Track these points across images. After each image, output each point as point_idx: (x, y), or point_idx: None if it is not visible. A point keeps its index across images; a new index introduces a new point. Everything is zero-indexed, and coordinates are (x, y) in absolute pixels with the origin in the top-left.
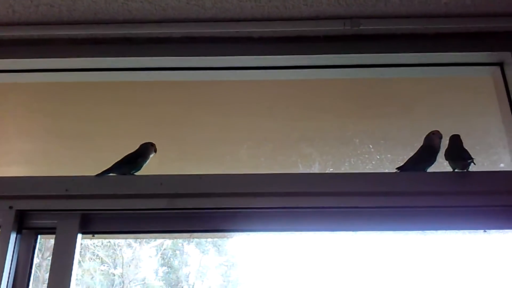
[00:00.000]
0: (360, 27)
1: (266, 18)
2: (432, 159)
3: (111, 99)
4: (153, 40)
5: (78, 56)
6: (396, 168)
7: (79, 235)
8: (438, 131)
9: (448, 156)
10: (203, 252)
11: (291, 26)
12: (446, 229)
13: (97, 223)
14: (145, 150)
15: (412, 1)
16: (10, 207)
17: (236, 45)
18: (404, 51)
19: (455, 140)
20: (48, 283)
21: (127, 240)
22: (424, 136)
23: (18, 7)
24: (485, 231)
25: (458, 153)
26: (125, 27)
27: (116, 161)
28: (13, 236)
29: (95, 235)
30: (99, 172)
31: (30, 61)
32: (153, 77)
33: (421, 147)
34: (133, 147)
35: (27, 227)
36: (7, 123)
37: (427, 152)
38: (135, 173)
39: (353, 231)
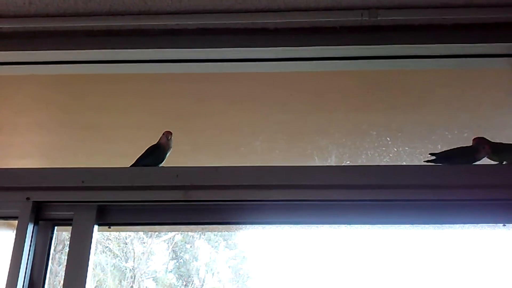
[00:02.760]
0: (378, 18)
1: (282, 9)
2: (471, 162)
3: (126, 91)
4: (168, 32)
5: (93, 48)
6: (430, 154)
7: (96, 227)
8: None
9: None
10: (213, 246)
11: (307, 17)
12: (465, 223)
13: (113, 215)
14: (162, 140)
15: None
16: (28, 198)
17: (251, 37)
18: (422, 42)
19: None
20: (65, 274)
21: (138, 233)
22: (438, 128)
23: None
24: (505, 225)
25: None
26: (140, 19)
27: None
28: (30, 227)
29: (111, 227)
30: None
31: (46, 53)
32: (168, 69)
33: (465, 146)
34: (148, 139)
35: (44, 218)
36: (22, 115)
37: (469, 154)
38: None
39: (370, 224)
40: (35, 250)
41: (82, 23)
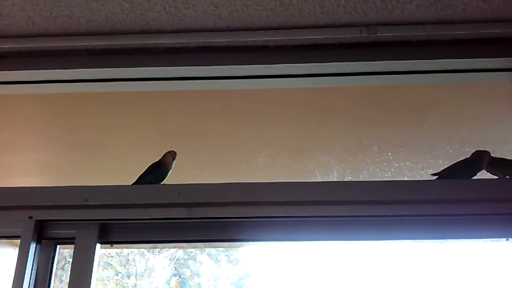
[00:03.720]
0: (377, 34)
1: (283, 26)
2: (473, 175)
3: (127, 109)
4: (169, 50)
5: (95, 67)
6: (432, 174)
7: (98, 245)
8: (488, 152)
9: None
10: (215, 262)
11: (307, 34)
12: (468, 238)
13: (115, 233)
14: (166, 158)
15: (429, 8)
16: (30, 217)
17: (252, 54)
18: (421, 57)
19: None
20: None
21: (140, 249)
22: (439, 143)
23: (37, 19)
24: (508, 239)
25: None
26: (142, 38)
27: (140, 173)
28: (32, 246)
29: (114, 245)
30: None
31: (48, 72)
32: (170, 87)
33: (465, 159)
34: (149, 158)
35: (47, 237)
36: (24, 133)
37: (472, 167)
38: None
39: (373, 240)
40: (37, 269)
41: (84, 42)
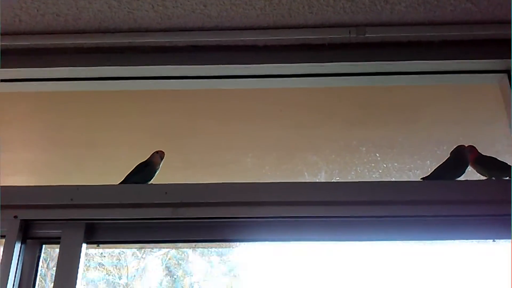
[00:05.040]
0: (366, 35)
1: (272, 26)
2: (461, 172)
3: (115, 108)
4: (158, 49)
5: (83, 65)
6: (422, 178)
7: (84, 245)
8: (464, 145)
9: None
10: (208, 262)
11: (296, 34)
12: (455, 239)
13: (102, 233)
14: (154, 158)
15: (418, 9)
16: (15, 217)
17: (241, 54)
18: (410, 58)
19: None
20: None
21: (132, 249)
22: (427, 144)
23: (24, 17)
24: (494, 241)
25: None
26: (130, 36)
27: (128, 172)
28: (17, 246)
29: (100, 245)
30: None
31: (36, 70)
32: (158, 86)
33: (448, 159)
34: (137, 157)
35: (32, 236)
36: (11, 132)
37: (456, 164)
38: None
39: (360, 241)
40: (22, 268)
41: (71, 40)
